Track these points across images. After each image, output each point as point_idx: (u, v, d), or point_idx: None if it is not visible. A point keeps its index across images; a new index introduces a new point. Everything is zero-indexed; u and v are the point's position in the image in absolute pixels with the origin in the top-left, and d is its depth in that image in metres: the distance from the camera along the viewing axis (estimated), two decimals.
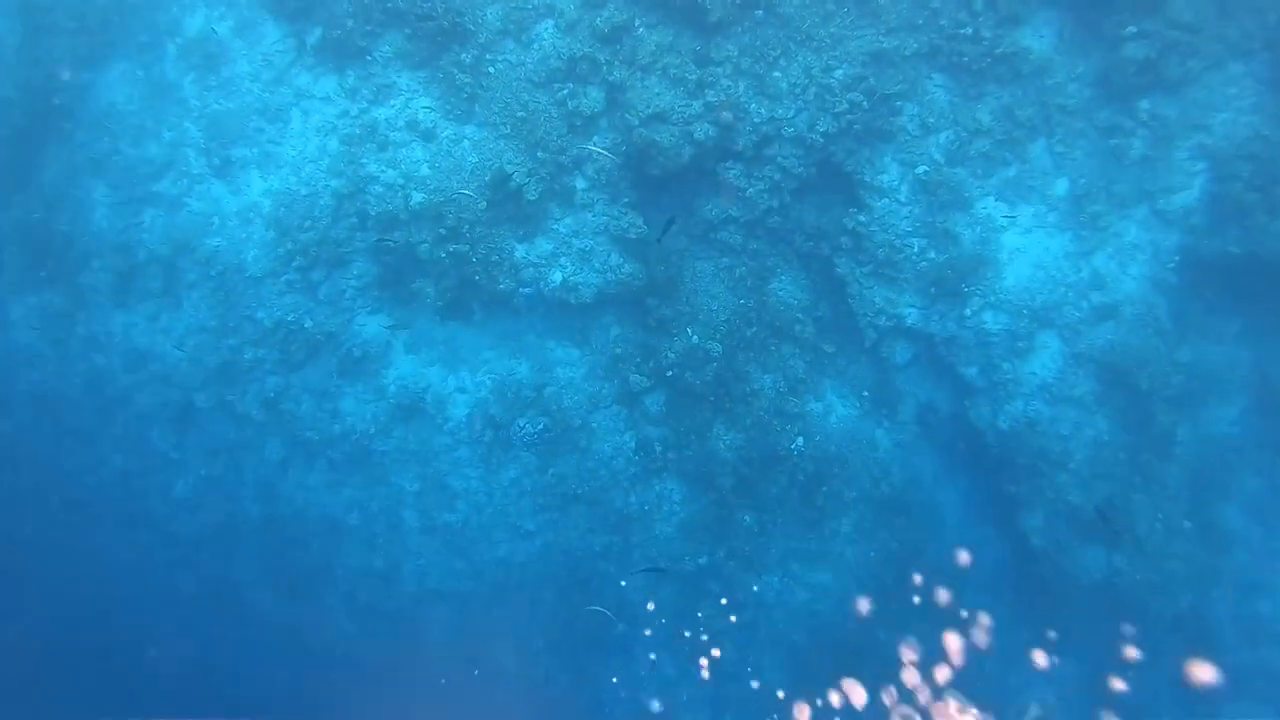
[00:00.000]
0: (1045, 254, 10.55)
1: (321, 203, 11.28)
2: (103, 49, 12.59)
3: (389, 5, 10.60)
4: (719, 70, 10.26)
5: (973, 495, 11.75)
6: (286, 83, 11.46)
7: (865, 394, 11.50)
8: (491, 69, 10.56)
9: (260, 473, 13.03)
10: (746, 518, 11.54)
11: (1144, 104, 9.90)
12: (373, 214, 10.89)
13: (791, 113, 10.33)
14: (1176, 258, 10.34)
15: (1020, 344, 10.61)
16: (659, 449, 11.54)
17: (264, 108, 11.57)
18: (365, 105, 11.01)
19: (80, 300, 12.87)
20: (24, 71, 13.00)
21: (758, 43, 10.28)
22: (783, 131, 10.36)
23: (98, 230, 12.57)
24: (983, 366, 10.77)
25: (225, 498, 13.20)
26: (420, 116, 10.71)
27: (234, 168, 11.80)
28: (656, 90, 10.22)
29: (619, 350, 11.31)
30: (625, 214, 10.59)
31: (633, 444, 11.60)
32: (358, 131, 11.02)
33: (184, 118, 12.02)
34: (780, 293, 11.24)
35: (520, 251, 10.68)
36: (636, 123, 10.17)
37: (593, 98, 10.29)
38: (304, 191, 11.35)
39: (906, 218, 10.60)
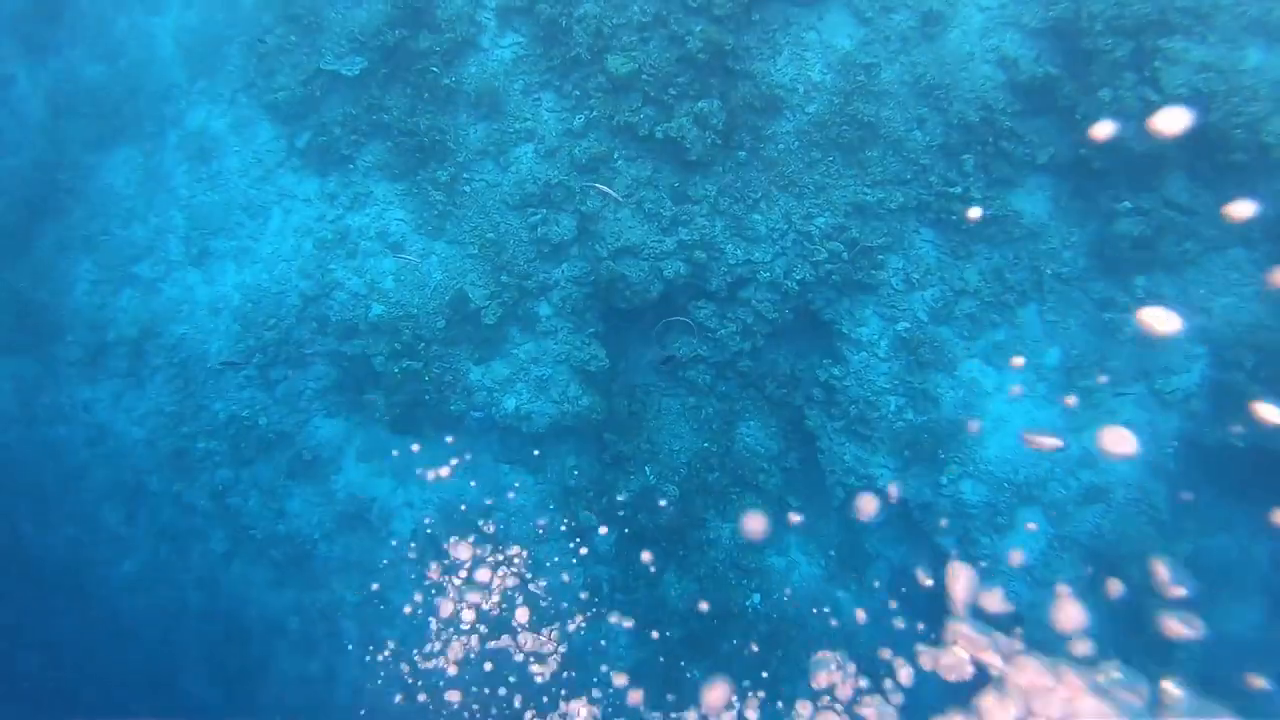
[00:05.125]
0: (1032, 425, 9.83)
1: (288, 302, 11.11)
2: (112, 134, 12.85)
3: (375, 118, 10.61)
4: (695, 209, 9.97)
5: None
6: (272, 181, 11.47)
7: (831, 553, 10.70)
8: (467, 188, 10.42)
9: (205, 562, 12.70)
10: (695, 674, 10.65)
11: (1140, 280, 9.31)
12: (333, 320, 10.66)
13: (769, 257, 9.95)
14: (1175, 443, 9.55)
15: (1000, 519, 9.81)
16: (606, 589, 10.81)
17: (248, 203, 11.58)
18: (341, 211, 10.93)
19: (51, 370, 12.80)
20: (41, 148, 13.37)
21: (738, 183, 10.00)
22: (758, 275, 9.96)
23: (76, 305, 12.56)
24: (959, 538, 9.95)
25: (169, 584, 12.89)
26: (392, 228, 10.57)
27: (211, 258, 11.76)
28: (629, 223, 9.94)
29: (572, 482, 10.73)
30: (588, 344, 10.18)
31: (579, 581, 10.89)
32: (331, 236, 10.90)
33: (172, 205, 12.09)
34: (747, 439, 10.62)
35: (475, 374, 10.29)
36: (605, 254, 9.87)
37: (564, 225, 10.04)
38: (274, 289, 11.22)
39: (884, 374, 10.01)
